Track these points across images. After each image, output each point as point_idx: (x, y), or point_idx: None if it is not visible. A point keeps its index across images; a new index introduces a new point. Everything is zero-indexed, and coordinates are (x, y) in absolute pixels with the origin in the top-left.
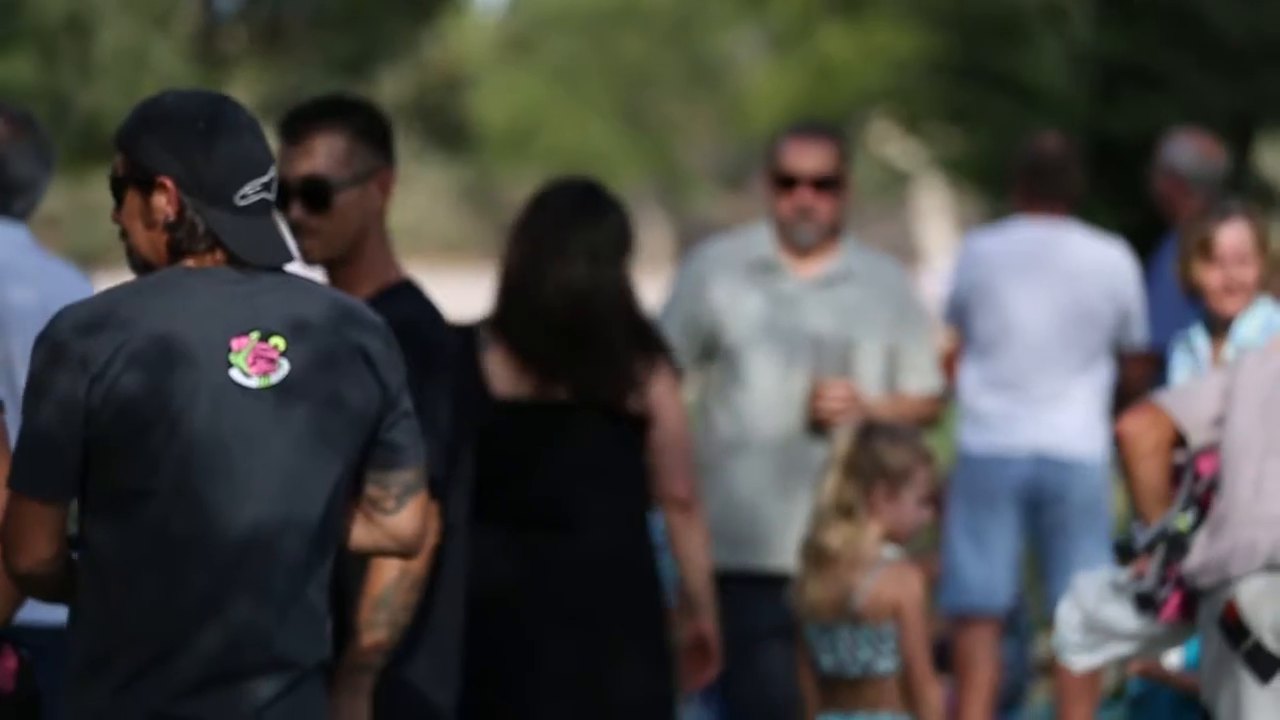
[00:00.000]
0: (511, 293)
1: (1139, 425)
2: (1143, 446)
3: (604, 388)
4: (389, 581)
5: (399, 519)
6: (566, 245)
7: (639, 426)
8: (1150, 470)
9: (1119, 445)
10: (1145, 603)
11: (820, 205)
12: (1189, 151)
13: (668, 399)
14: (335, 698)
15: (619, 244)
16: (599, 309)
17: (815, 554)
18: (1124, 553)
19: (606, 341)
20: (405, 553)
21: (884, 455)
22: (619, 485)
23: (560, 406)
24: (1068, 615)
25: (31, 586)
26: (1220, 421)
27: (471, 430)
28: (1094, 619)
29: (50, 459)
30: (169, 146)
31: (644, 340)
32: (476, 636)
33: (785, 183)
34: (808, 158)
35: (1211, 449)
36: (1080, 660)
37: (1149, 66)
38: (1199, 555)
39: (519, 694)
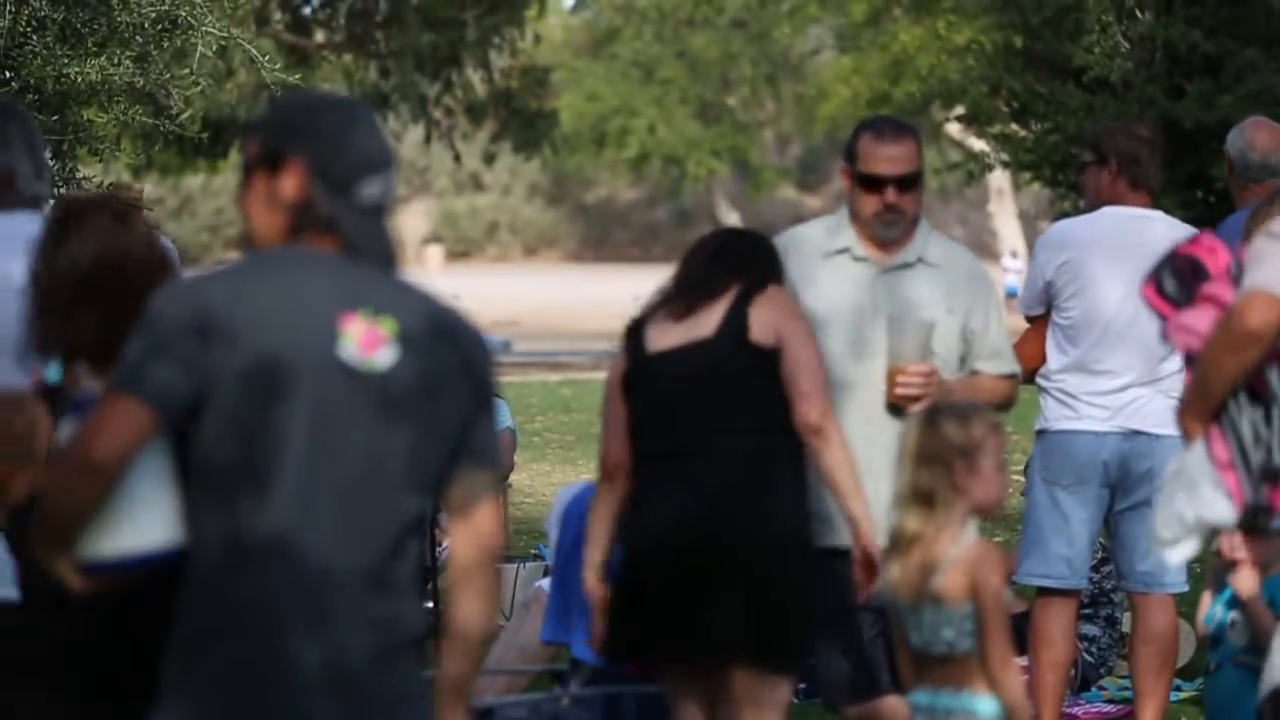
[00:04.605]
0: None
1: (1271, 318)
2: (1263, 341)
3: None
4: None
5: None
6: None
7: (768, 357)
8: (1247, 361)
9: (1235, 324)
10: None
11: (905, 203)
12: (1237, 138)
13: (790, 328)
14: None
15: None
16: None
17: (897, 539)
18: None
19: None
20: None
21: (955, 435)
22: (747, 413)
23: (697, 346)
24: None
25: (95, 481)
26: None
27: None
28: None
29: (159, 370)
30: (306, 131)
31: (746, 273)
32: (641, 559)
33: (872, 183)
34: (894, 160)
35: None
36: (1179, 552)
37: (1212, 54)
38: None
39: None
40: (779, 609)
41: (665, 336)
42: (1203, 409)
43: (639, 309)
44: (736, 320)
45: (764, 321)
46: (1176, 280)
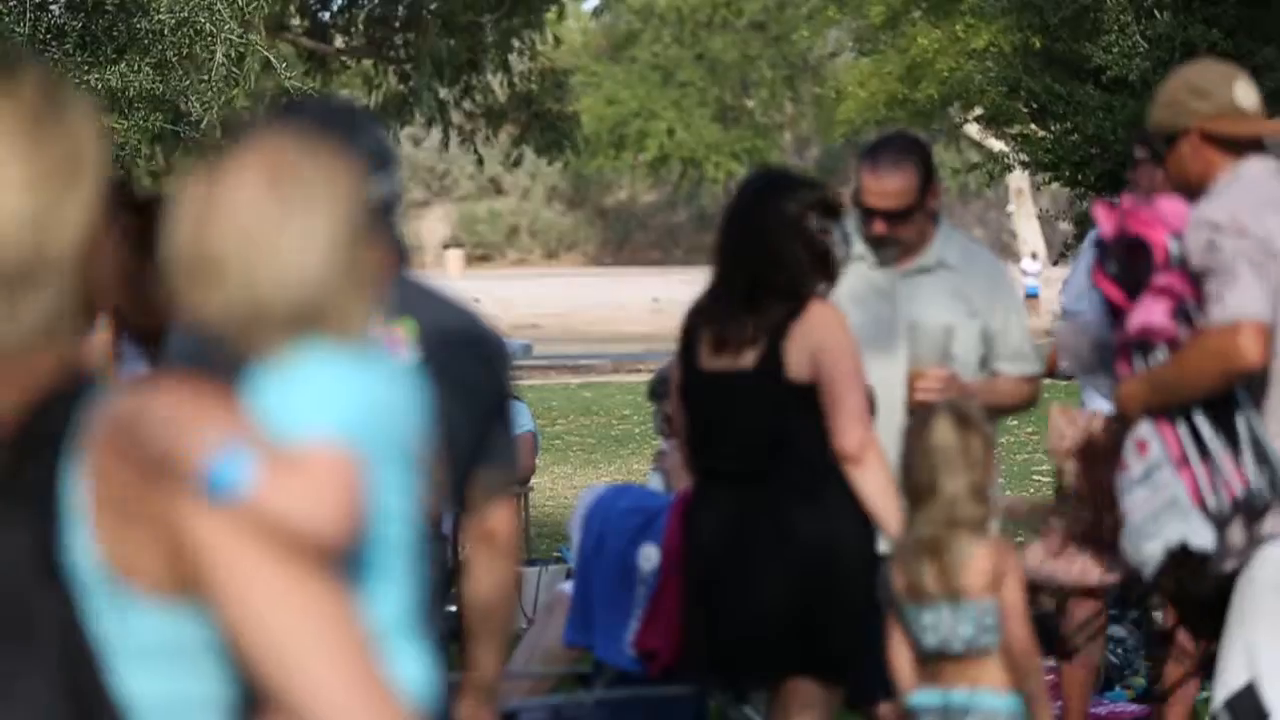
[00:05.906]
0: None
1: (1264, 348)
2: (1257, 369)
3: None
4: None
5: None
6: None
7: (808, 389)
8: (1231, 383)
9: (1234, 357)
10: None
11: (897, 233)
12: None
13: (829, 356)
14: None
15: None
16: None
17: (921, 539)
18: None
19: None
20: None
21: (989, 433)
22: (792, 440)
23: (739, 375)
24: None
25: None
26: None
27: None
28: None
29: None
30: (310, 134)
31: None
32: (699, 574)
33: (864, 210)
34: (884, 196)
35: None
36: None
37: (1230, 53)
38: None
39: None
40: (837, 621)
41: (711, 355)
42: (1161, 406)
43: (692, 305)
44: (774, 355)
45: (801, 352)
46: (1123, 265)
